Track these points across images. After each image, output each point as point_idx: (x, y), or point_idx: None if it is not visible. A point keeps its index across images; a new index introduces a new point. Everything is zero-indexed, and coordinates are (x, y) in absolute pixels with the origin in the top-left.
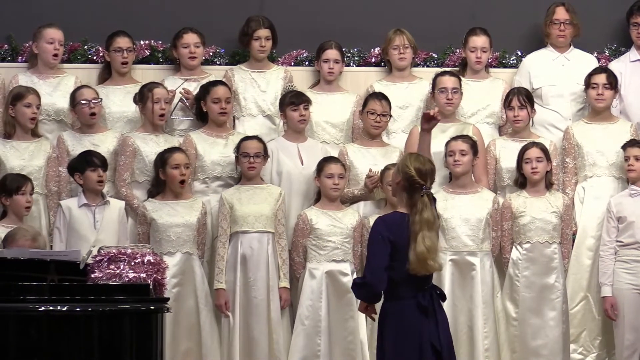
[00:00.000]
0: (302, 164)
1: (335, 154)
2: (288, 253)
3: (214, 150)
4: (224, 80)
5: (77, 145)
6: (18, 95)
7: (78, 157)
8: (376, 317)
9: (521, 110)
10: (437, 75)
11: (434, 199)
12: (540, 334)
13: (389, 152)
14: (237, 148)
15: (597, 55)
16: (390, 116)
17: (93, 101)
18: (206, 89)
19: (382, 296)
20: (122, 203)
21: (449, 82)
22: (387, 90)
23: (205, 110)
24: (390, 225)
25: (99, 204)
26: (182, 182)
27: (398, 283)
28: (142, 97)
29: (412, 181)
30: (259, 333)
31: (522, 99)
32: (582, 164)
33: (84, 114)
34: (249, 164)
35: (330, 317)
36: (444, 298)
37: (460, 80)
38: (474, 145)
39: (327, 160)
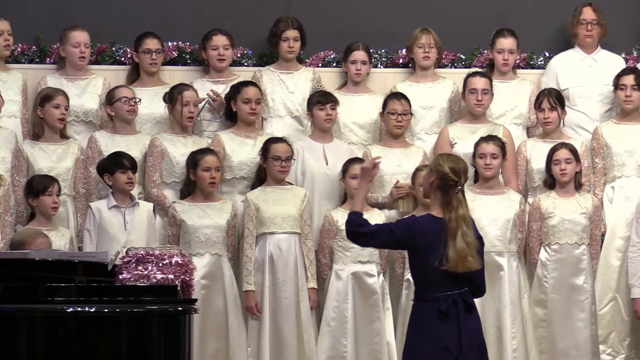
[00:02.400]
0: (327, 164)
1: (361, 155)
2: (315, 254)
3: (242, 150)
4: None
5: (109, 145)
6: (47, 97)
7: (108, 159)
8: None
9: (552, 112)
10: (468, 75)
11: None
12: (569, 335)
13: (412, 152)
14: (265, 150)
15: (625, 56)
16: (412, 115)
17: (133, 100)
18: (237, 89)
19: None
20: (151, 205)
21: (479, 83)
22: (410, 90)
23: (235, 110)
24: (414, 228)
25: (129, 206)
26: (212, 184)
27: (421, 285)
28: (172, 98)
29: (446, 179)
30: (289, 334)
31: (552, 100)
32: (610, 165)
33: (122, 110)
34: (280, 167)
35: (356, 318)
36: (468, 307)
37: (491, 81)
38: (503, 148)
39: (352, 161)
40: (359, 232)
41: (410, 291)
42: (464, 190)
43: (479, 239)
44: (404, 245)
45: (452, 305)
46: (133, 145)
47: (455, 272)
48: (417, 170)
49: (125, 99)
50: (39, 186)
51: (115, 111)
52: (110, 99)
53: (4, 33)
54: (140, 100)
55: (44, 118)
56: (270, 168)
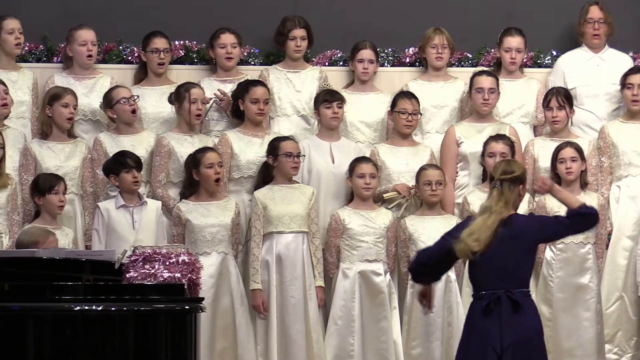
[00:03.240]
0: (334, 162)
1: (368, 154)
2: (322, 252)
3: (250, 149)
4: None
5: (114, 146)
6: (55, 96)
7: (112, 159)
8: (429, 312)
9: (560, 111)
10: (474, 74)
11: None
12: (574, 334)
13: (419, 151)
14: (275, 148)
15: (632, 55)
16: (421, 114)
17: (131, 99)
18: (245, 88)
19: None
20: (159, 203)
21: (485, 82)
22: (422, 89)
23: (243, 109)
24: (460, 228)
25: (137, 205)
26: (217, 180)
27: (473, 283)
28: (179, 97)
29: (489, 176)
30: (297, 332)
31: (561, 99)
32: (617, 164)
33: (124, 111)
34: (293, 163)
35: (363, 317)
36: (515, 306)
37: (497, 80)
38: (512, 147)
39: (358, 160)
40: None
41: (415, 290)
42: (507, 188)
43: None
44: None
45: (495, 302)
46: (138, 144)
47: (503, 269)
48: (422, 169)
49: (124, 99)
50: (45, 185)
51: (117, 113)
52: (109, 101)
53: (15, 31)
54: (138, 97)
55: (52, 117)
56: (282, 165)
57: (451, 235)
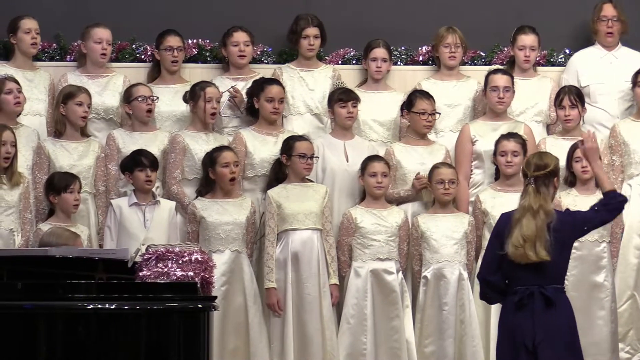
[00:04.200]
0: (348, 161)
1: (382, 152)
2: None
3: (264, 148)
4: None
5: (127, 142)
6: (69, 94)
7: (128, 157)
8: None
9: (572, 110)
10: (489, 73)
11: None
12: (589, 333)
13: (434, 150)
14: (289, 148)
15: None
16: (439, 114)
17: (150, 99)
18: (260, 86)
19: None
20: (173, 203)
21: (500, 80)
22: (435, 88)
23: (257, 107)
24: (497, 226)
25: (149, 204)
26: (232, 179)
27: (507, 279)
28: (194, 95)
29: (522, 172)
30: (314, 330)
31: (573, 98)
32: (628, 162)
33: (140, 110)
34: (306, 164)
35: (375, 315)
36: (548, 302)
37: (512, 78)
38: (524, 145)
39: (370, 159)
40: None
41: (427, 288)
42: (543, 183)
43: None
44: (500, 244)
45: (527, 297)
46: (151, 142)
47: (536, 265)
48: (435, 167)
49: (142, 97)
50: (60, 183)
51: (133, 110)
52: (127, 97)
53: (32, 31)
54: (157, 98)
55: (66, 115)
56: (295, 165)
57: (495, 247)
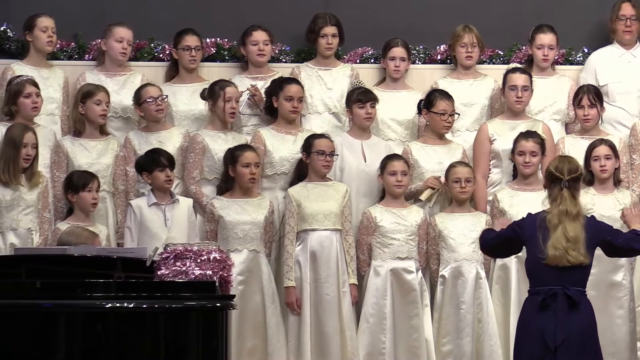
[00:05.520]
0: (365, 161)
1: (399, 152)
2: (355, 250)
3: (283, 147)
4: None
5: (143, 144)
6: (88, 93)
7: (145, 156)
8: None
9: (591, 109)
10: (508, 72)
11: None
12: (607, 332)
13: (452, 149)
14: (308, 145)
15: None
16: (458, 114)
17: (159, 99)
18: (279, 85)
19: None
20: (190, 201)
21: (519, 79)
22: (452, 87)
23: (276, 106)
24: (520, 224)
25: (169, 203)
26: (252, 179)
27: (529, 278)
28: (213, 95)
29: (551, 177)
30: (332, 330)
31: (592, 97)
32: None
33: (150, 111)
34: (325, 162)
35: (394, 314)
36: (572, 303)
37: (530, 77)
38: (543, 145)
39: (390, 158)
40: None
41: (445, 287)
42: (572, 187)
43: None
44: (513, 241)
45: (550, 298)
46: (166, 141)
47: (562, 267)
48: (451, 166)
49: (151, 99)
50: (78, 182)
51: (144, 112)
52: (137, 99)
53: (48, 30)
54: (167, 96)
55: (85, 114)
56: (314, 163)
57: (519, 231)
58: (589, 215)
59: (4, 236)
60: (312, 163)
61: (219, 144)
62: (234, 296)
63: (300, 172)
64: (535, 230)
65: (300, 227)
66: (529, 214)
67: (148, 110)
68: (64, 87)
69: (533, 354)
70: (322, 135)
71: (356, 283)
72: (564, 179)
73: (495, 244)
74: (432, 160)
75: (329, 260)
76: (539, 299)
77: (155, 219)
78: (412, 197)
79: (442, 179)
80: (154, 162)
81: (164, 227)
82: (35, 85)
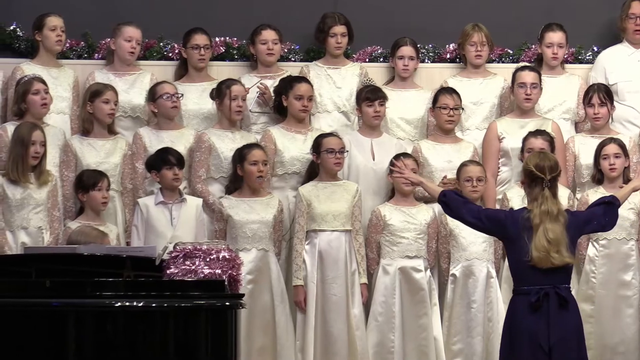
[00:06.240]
0: (374, 159)
1: (409, 150)
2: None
3: (293, 146)
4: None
5: (154, 141)
6: (96, 92)
7: (155, 155)
8: None
9: (601, 108)
10: (517, 70)
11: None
12: (617, 331)
13: (462, 147)
14: (317, 145)
15: None
16: (463, 110)
17: (175, 96)
18: (289, 84)
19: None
20: (200, 201)
21: (528, 77)
22: (461, 86)
23: (286, 105)
24: (501, 221)
25: (176, 202)
26: (260, 177)
27: (515, 278)
28: (220, 93)
29: (531, 176)
30: (339, 330)
31: (602, 95)
32: None
33: (165, 107)
34: (335, 159)
35: (403, 313)
36: (562, 302)
37: (540, 75)
38: (552, 143)
39: (399, 156)
40: (449, 200)
41: (455, 286)
42: (555, 185)
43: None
44: (494, 234)
45: (543, 298)
46: (177, 140)
47: (547, 268)
48: (463, 165)
49: (167, 95)
50: (88, 181)
51: (158, 108)
52: (152, 95)
53: (57, 29)
54: (182, 95)
55: (93, 113)
56: (325, 162)
57: (489, 218)
58: (566, 210)
59: (14, 235)
60: (323, 162)
61: (225, 142)
62: (243, 295)
63: (312, 173)
64: (519, 230)
65: (309, 226)
66: (511, 210)
67: (163, 106)
68: (74, 87)
69: (525, 356)
70: (330, 134)
71: (366, 282)
72: (546, 179)
73: (467, 212)
74: (442, 158)
75: (337, 261)
76: (531, 300)
77: (161, 217)
78: (425, 201)
79: (450, 176)
80: (162, 160)
81: (170, 225)
82: (43, 82)
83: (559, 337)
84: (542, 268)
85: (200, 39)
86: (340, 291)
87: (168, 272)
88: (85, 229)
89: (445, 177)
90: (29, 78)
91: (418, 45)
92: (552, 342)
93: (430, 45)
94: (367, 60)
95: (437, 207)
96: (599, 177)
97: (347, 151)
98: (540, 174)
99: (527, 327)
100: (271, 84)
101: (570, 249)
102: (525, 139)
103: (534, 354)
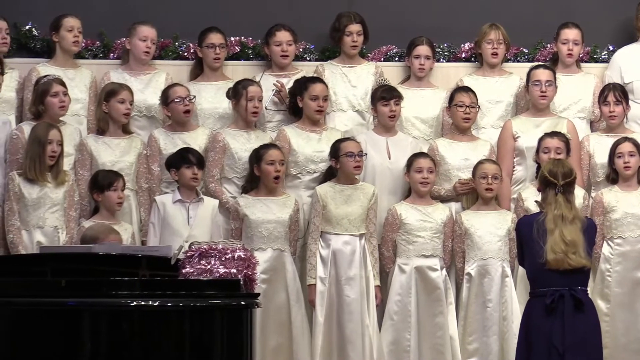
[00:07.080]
0: (390, 158)
1: (424, 149)
2: (378, 248)
3: (308, 145)
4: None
5: (168, 143)
6: (112, 92)
7: (176, 154)
8: None
9: (617, 106)
10: (532, 68)
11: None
12: (632, 329)
13: (479, 146)
14: (335, 150)
15: None
16: (479, 107)
17: (187, 99)
18: (304, 84)
19: None
20: (216, 201)
21: (542, 74)
22: (477, 84)
23: (301, 105)
24: (519, 226)
25: (193, 201)
26: (277, 178)
27: (531, 281)
28: (236, 93)
29: (545, 181)
30: (351, 332)
31: (618, 94)
32: None
33: (178, 111)
34: (355, 162)
35: (419, 312)
36: (578, 304)
37: (554, 73)
38: (567, 143)
39: (416, 156)
40: None
41: (471, 285)
42: (569, 191)
43: None
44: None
45: (558, 300)
46: (192, 141)
47: (564, 270)
48: (479, 163)
49: (179, 99)
50: (104, 181)
51: (171, 112)
52: (165, 99)
53: (74, 29)
54: (194, 97)
55: (109, 113)
56: (345, 166)
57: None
58: (587, 217)
59: (30, 234)
60: (342, 167)
61: (240, 142)
62: (258, 294)
63: (330, 175)
64: (533, 234)
65: (324, 228)
66: (525, 217)
67: (176, 111)
68: (91, 87)
69: (542, 358)
70: (347, 138)
71: (380, 285)
72: (559, 184)
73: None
74: (458, 157)
75: (351, 262)
76: (547, 302)
77: (178, 215)
78: (442, 200)
79: (467, 179)
80: (182, 158)
81: (187, 224)
82: (63, 84)
83: (574, 339)
84: (559, 270)
85: (215, 38)
86: (354, 293)
87: (183, 271)
88: (94, 225)
89: (460, 179)
90: (49, 79)
91: (434, 45)
92: (567, 344)
93: (445, 45)
94: (382, 59)
95: (453, 206)
96: (613, 177)
97: (366, 154)
98: (553, 179)
99: (542, 329)
100: (286, 82)
101: (588, 251)
102: (541, 139)
103: (549, 356)
